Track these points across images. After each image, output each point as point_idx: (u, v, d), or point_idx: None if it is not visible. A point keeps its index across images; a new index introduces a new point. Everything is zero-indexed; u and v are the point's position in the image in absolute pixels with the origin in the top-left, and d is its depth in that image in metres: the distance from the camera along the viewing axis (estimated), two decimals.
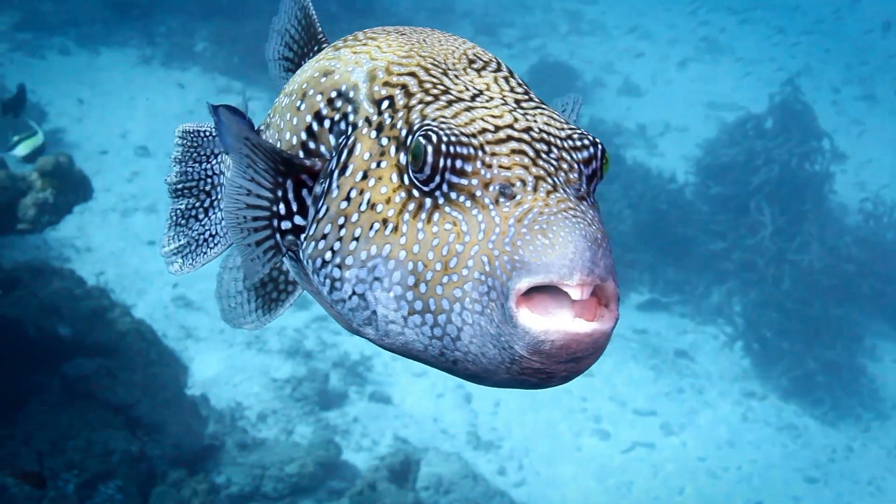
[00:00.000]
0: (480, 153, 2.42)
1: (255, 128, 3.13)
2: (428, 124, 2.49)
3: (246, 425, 12.78)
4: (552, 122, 2.54)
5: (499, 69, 2.75)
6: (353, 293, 2.56)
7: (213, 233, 3.54)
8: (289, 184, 2.80)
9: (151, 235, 16.27)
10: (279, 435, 12.70)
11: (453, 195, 2.43)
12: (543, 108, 2.60)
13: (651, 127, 22.65)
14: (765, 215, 17.50)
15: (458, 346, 2.41)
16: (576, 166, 2.47)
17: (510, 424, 13.87)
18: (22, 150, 11.09)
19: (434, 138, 2.43)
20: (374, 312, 2.53)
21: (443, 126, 2.45)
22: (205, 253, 3.52)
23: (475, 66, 2.75)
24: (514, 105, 2.57)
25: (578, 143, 2.50)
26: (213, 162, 3.68)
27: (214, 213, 3.56)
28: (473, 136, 2.44)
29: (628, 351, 15.73)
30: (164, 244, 3.59)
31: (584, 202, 2.45)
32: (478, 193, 2.40)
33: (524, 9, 28.32)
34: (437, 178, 2.44)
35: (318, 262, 2.66)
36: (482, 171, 2.41)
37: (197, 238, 3.55)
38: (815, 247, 16.92)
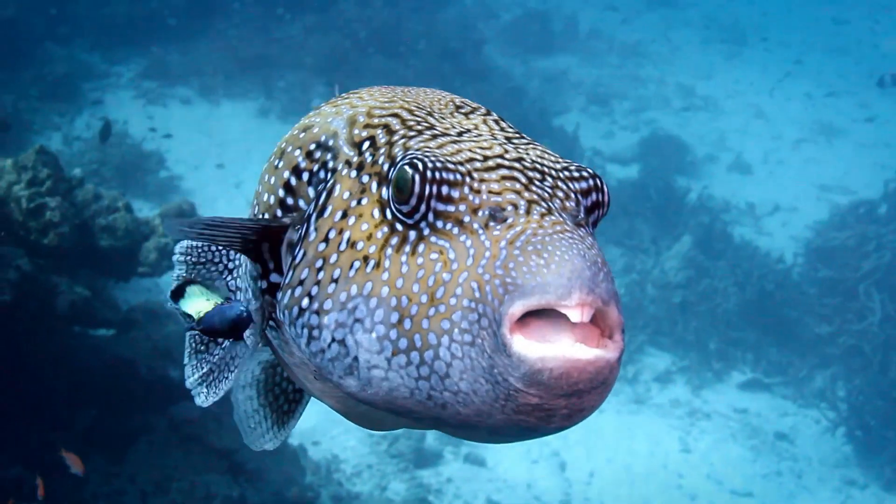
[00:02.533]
0: (468, 179, 2.31)
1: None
2: (412, 154, 2.38)
3: (341, 478, 12.89)
4: (546, 155, 2.44)
5: (488, 114, 2.68)
6: (333, 340, 2.38)
7: (234, 355, 3.38)
8: (264, 246, 2.69)
9: None
10: (373, 490, 12.78)
11: (440, 224, 2.30)
12: (536, 145, 2.50)
13: (760, 206, 22.45)
14: (874, 301, 17.22)
15: (446, 386, 2.21)
16: (573, 195, 2.35)
17: (604, 496, 13.76)
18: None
19: (420, 165, 2.32)
20: (356, 359, 2.34)
21: (427, 154, 2.35)
22: (227, 378, 3.36)
23: (462, 110, 2.68)
24: (504, 140, 2.48)
25: (576, 175, 2.39)
26: (228, 279, 3.54)
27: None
28: (460, 163, 2.34)
29: (727, 430, 15.53)
30: (188, 375, 3.47)
31: (583, 229, 2.28)
32: (466, 219, 2.27)
33: (637, 81, 28.38)
34: (423, 208, 2.31)
35: (295, 310, 2.50)
36: (470, 197, 2.29)
37: (219, 364, 3.41)
38: None
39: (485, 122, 2.60)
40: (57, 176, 9.17)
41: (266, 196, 2.86)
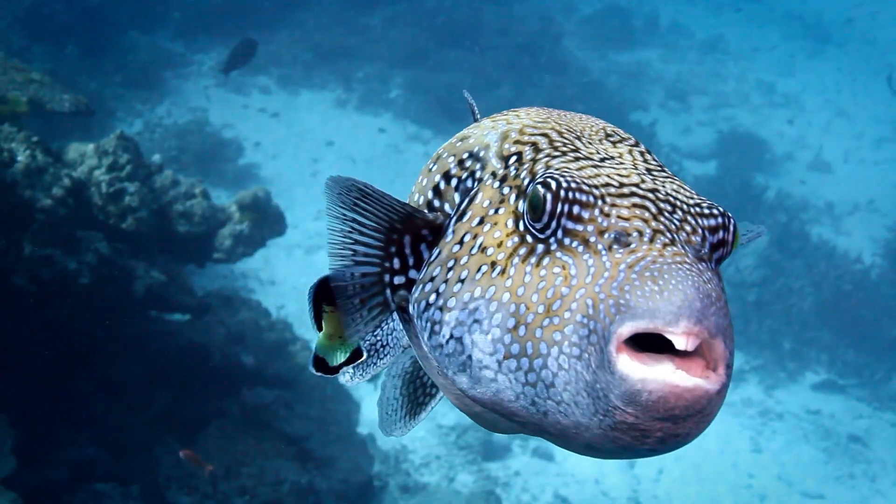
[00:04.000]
0: (600, 202, 2.37)
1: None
2: (550, 173, 2.46)
3: (409, 468, 12.96)
4: (682, 190, 2.48)
5: (636, 145, 2.72)
6: (451, 336, 2.49)
7: (385, 343, 3.46)
8: (406, 239, 2.78)
9: None
10: (441, 481, 12.83)
11: (567, 241, 2.37)
12: (675, 180, 2.54)
13: (839, 205, 22.17)
14: None
15: (550, 394, 2.29)
16: (700, 231, 2.37)
17: (672, 494, 13.70)
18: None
19: (553, 185, 2.39)
20: (470, 357, 2.44)
21: (565, 174, 2.42)
22: (374, 364, 3.44)
23: (611, 139, 2.72)
24: (645, 171, 2.52)
25: (706, 211, 2.41)
26: None
27: (387, 323, 3.45)
28: (595, 186, 2.39)
29: (800, 431, 15.37)
30: (349, 371, 3.53)
31: (704, 264, 2.32)
32: (592, 239, 2.33)
33: (717, 77, 28.14)
34: (553, 224, 2.38)
35: (423, 304, 2.61)
36: (599, 219, 2.35)
37: (369, 349, 3.48)
38: None
39: (630, 152, 2.66)
40: (136, 161, 9.33)
41: (417, 196, 2.98)
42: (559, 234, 2.38)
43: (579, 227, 2.36)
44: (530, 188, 2.47)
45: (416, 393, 3.29)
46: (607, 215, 2.35)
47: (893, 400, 16.47)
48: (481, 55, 23.65)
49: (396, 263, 2.79)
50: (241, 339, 10.52)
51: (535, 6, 27.59)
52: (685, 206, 2.41)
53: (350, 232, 2.76)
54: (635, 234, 2.31)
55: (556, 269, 2.34)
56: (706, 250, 2.37)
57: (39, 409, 9.02)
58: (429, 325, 2.57)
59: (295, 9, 24.68)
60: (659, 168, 2.60)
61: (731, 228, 2.42)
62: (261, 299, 13.08)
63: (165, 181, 9.66)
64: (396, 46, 23.72)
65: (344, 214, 2.72)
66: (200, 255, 10.07)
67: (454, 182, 2.82)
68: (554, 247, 2.38)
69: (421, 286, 2.64)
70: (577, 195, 2.37)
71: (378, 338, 3.49)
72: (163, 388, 9.92)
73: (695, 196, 2.47)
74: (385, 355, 3.45)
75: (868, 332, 17.20)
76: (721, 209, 2.42)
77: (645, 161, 2.61)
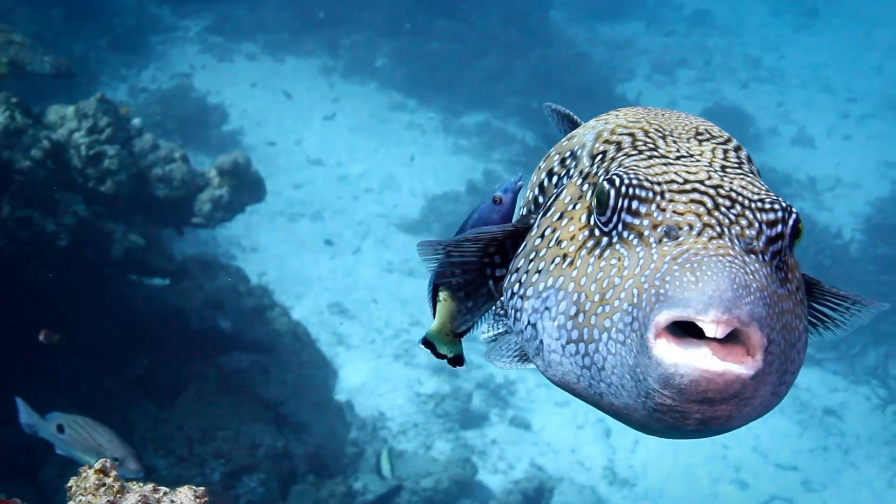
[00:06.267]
0: (658, 198, 2.50)
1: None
2: (617, 170, 2.60)
3: (387, 435, 13.04)
4: (750, 186, 2.56)
5: (724, 143, 2.80)
6: (528, 323, 2.67)
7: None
8: (508, 242, 2.98)
9: (315, 241, 16.73)
10: (418, 448, 12.91)
11: (625, 234, 2.51)
12: (748, 177, 2.62)
13: (822, 180, 22.26)
14: None
15: (602, 377, 2.45)
16: (756, 224, 2.47)
17: (648, 464, 13.80)
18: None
19: (616, 181, 2.54)
20: (541, 342, 2.62)
21: (629, 172, 2.56)
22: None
23: (700, 137, 2.81)
24: (718, 168, 2.62)
25: (767, 206, 2.50)
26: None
27: None
28: (658, 183, 2.52)
29: None
30: (484, 331, 3.70)
31: (754, 256, 2.43)
32: (646, 233, 2.47)
33: (704, 51, 28.14)
34: (615, 218, 2.53)
35: (509, 293, 2.80)
36: (655, 214, 2.48)
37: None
38: None
39: (714, 150, 2.75)
40: (116, 125, 9.33)
41: (528, 192, 3.20)
42: (619, 227, 2.54)
43: (636, 221, 2.50)
44: (598, 185, 2.62)
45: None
46: (663, 210, 2.49)
47: (869, 374, 16.60)
48: (469, 25, 23.60)
49: (497, 259, 3.02)
50: (220, 304, 10.56)
51: None
52: (746, 202, 2.50)
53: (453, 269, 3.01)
54: (686, 227, 2.44)
55: (613, 261, 2.51)
56: (760, 243, 2.46)
57: (17, 370, 9.05)
58: (513, 311, 2.77)
59: None
60: (736, 165, 2.68)
61: (791, 222, 2.50)
62: (243, 266, 13.12)
63: (145, 145, 9.66)
64: (383, 15, 23.65)
65: (441, 267, 2.99)
66: (179, 219, 10.09)
67: (555, 179, 3.05)
68: (615, 239, 2.55)
69: (509, 276, 2.85)
70: (637, 191, 2.52)
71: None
72: (140, 352, 9.95)
73: (762, 192, 2.55)
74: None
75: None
76: (784, 204, 2.51)
77: (725, 159, 2.70)
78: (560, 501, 12.25)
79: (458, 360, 3.27)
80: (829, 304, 3.03)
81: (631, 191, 2.51)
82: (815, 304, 3.02)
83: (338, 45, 23.08)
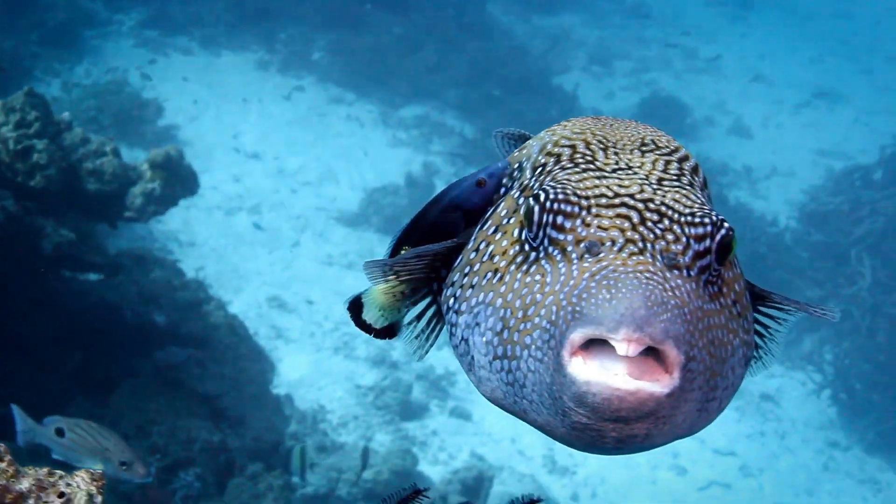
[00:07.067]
0: (584, 213, 2.47)
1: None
2: (545, 185, 2.58)
3: (327, 428, 13.02)
4: (684, 199, 2.53)
5: (669, 154, 2.75)
6: (462, 339, 2.66)
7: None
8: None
9: (253, 235, 16.64)
10: (358, 440, 12.90)
11: (551, 249, 2.48)
12: (685, 189, 2.59)
13: (757, 169, 22.50)
14: (864, 266, 17.26)
15: (524, 395, 2.44)
16: (683, 239, 2.44)
17: (587, 453, 13.86)
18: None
19: (542, 196, 2.51)
20: (473, 358, 2.61)
21: (556, 186, 2.53)
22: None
23: (644, 148, 2.76)
24: (654, 181, 2.59)
25: (696, 220, 2.46)
26: None
27: None
28: (586, 197, 2.49)
29: None
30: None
31: (677, 271, 2.40)
32: (569, 248, 2.44)
33: (641, 42, 28.31)
34: (541, 234, 2.51)
35: (445, 307, 2.79)
36: (579, 229, 2.45)
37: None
38: None
39: (655, 161, 2.70)
40: (45, 119, 9.22)
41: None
42: (546, 242, 2.51)
43: (561, 237, 2.48)
44: (526, 200, 2.59)
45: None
46: (588, 225, 2.46)
47: (804, 360, 16.81)
48: (404, 17, 23.57)
49: (444, 272, 2.97)
50: (154, 299, 10.48)
51: None
52: (676, 216, 2.47)
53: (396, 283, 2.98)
54: (608, 243, 2.41)
55: (538, 277, 2.49)
56: (686, 258, 2.43)
57: None
58: (448, 326, 2.77)
59: None
60: (675, 178, 2.64)
61: (719, 236, 2.46)
62: (181, 261, 13.03)
63: (75, 139, 9.55)
64: (320, 8, 23.54)
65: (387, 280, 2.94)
66: (111, 213, 9.97)
67: (503, 191, 2.99)
68: (542, 255, 2.52)
69: (445, 290, 2.83)
70: (563, 206, 2.49)
71: None
72: (75, 348, 9.84)
73: (694, 206, 2.51)
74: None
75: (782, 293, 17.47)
76: (714, 218, 2.48)
77: (665, 171, 2.66)
78: (500, 490, 12.27)
79: (388, 332, 3.10)
80: (780, 313, 3.03)
81: (556, 206, 2.49)
82: (763, 315, 3.02)
83: (274, 39, 22.97)
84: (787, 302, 2.99)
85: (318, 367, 14.34)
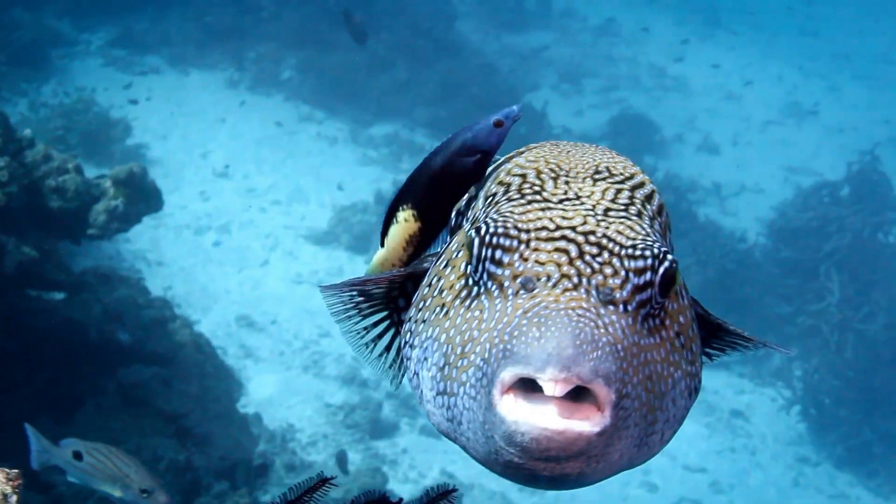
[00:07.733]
0: (522, 247, 2.43)
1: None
2: (488, 217, 2.55)
3: (296, 447, 12.93)
4: (628, 231, 2.49)
5: (621, 183, 2.72)
6: (414, 372, 2.63)
7: None
8: (409, 286, 2.97)
9: (221, 254, 16.56)
10: (328, 459, 12.83)
11: (489, 284, 2.45)
12: (631, 220, 2.55)
13: (726, 186, 22.59)
14: (833, 282, 17.34)
15: (461, 432, 2.43)
16: (623, 272, 2.40)
17: None
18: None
19: (482, 230, 2.48)
20: (422, 392, 2.58)
21: (497, 220, 2.50)
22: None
23: (597, 176, 2.72)
24: (600, 212, 2.55)
25: (637, 253, 2.43)
26: None
27: None
28: (526, 231, 2.46)
29: None
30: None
31: (612, 307, 2.36)
32: (506, 284, 2.41)
33: (609, 61, 28.41)
34: (480, 268, 2.47)
35: (402, 342, 2.78)
36: (517, 264, 2.42)
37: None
38: (882, 318, 16.71)
39: (605, 191, 2.66)
40: (6, 136, 9.14)
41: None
42: (485, 277, 2.48)
43: (499, 272, 2.44)
44: (467, 233, 2.56)
45: None
46: (525, 260, 2.42)
47: (774, 376, 16.85)
48: (375, 36, 23.56)
49: (402, 302, 3.01)
50: (119, 317, 10.39)
51: None
52: (616, 248, 2.43)
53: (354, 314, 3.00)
54: (544, 279, 2.37)
55: (476, 313, 2.46)
56: (624, 293, 2.39)
57: None
58: (404, 360, 2.74)
59: None
60: (623, 208, 2.61)
61: (661, 270, 2.42)
62: (148, 280, 12.93)
63: (37, 156, 9.47)
64: (289, 27, 23.50)
65: (347, 312, 2.97)
66: (75, 231, 9.89)
67: (461, 220, 3.02)
68: (482, 290, 2.48)
69: (404, 324, 2.81)
70: (502, 240, 2.45)
71: None
72: (38, 367, 9.75)
73: (637, 238, 2.47)
74: None
75: (751, 310, 17.52)
76: (656, 251, 2.43)
77: (613, 200, 2.63)
78: None
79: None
80: (731, 345, 3.08)
81: (495, 240, 2.45)
82: (714, 346, 3.07)
83: (243, 58, 22.93)
84: (743, 338, 3.04)
85: (288, 385, 14.25)
